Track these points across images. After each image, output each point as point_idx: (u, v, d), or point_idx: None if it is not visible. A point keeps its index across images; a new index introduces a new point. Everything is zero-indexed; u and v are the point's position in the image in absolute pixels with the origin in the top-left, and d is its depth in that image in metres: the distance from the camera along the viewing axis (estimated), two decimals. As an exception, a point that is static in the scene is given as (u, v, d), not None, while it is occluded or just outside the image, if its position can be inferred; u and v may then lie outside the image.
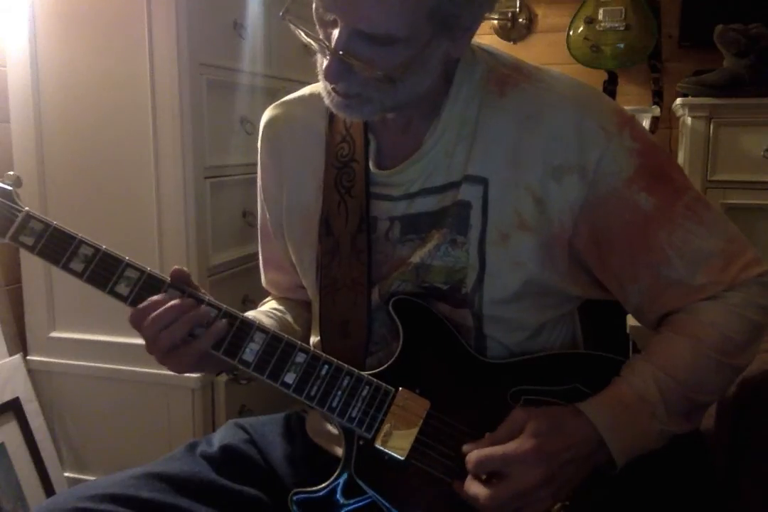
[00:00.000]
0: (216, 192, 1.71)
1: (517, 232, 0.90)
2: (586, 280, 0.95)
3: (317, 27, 0.85)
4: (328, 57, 0.82)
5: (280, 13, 0.84)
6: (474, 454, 0.84)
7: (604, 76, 2.68)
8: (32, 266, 1.75)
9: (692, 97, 2.19)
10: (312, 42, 0.84)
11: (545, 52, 2.82)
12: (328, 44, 0.81)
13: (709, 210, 0.91)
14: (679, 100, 2.26)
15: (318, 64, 0.86)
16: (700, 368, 0.87)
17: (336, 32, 0.80)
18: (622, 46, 2.58)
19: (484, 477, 0.83)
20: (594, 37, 2.60)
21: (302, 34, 0.83)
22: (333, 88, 0.86)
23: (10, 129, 1.72)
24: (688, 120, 2.18)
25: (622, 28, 2.57)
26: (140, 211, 1.65)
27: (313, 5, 0.83)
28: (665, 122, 2.64)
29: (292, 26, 0.84)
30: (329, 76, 0.83)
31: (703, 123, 2.14)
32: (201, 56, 1.62)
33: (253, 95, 1.82)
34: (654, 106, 2.61)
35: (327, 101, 0.88)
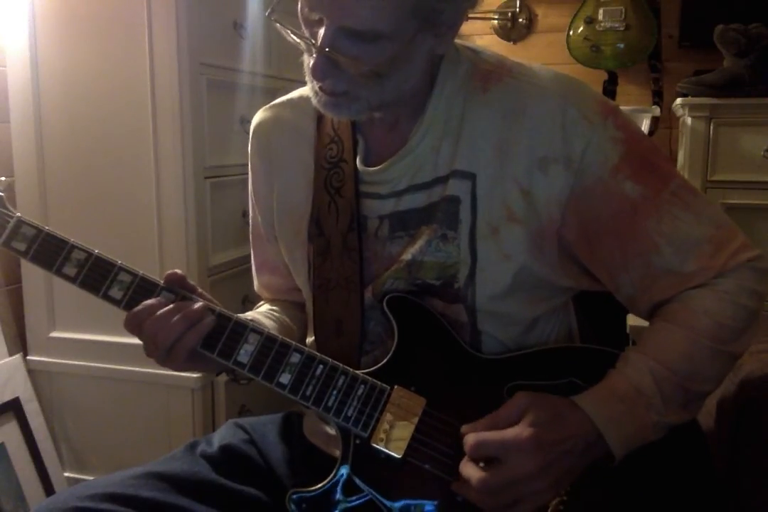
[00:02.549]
0: (216, 192, 1.71)
1: (506, 225, 0.90)
2: (576, 271, 0.95)
3: (303, 27, 0.85)
4: (314, 55, 0.83)
5: (266, 13, 0.85)
6: (472, 437, 0.83)
7: (604, 76, 2.67)
8: (32, 266, 1.73)
9: (692, 97, 2.18)
10: (299, 41, 0.85)
11: (545, 52, 2.82)
12: (314, 42, 0.82)
13: (696, 196, 0.91)
14: (679, 100, 2.26)
15: (305, 65, 0.87)
16: (695, 357, 0.86)
17: (322, 31, 0.81)
18: (622, 46, 2.58)
19: (482, 464, 0.83)
20: (594, 37, 2.60)
21: (289, 33, 0.84)
22: (320, 87, 0.87)
23: (10, 129, 1.72)
24: (688, 120, 2.17)
25: (622, 28, 2.56)
26: (140, 211, 1.65)
27: (299, 5, 0.84)
28: (665, 122, 2.64)
29: (278, 26, 0.85)
30: (316, 73, 0.84)
31: (703, 123, 2.13)
32: (201, 56, 1.62)
33: (253, 95, 1.83)
34: (654, 106, 2.61)
35: (314, 101, 0.89)
